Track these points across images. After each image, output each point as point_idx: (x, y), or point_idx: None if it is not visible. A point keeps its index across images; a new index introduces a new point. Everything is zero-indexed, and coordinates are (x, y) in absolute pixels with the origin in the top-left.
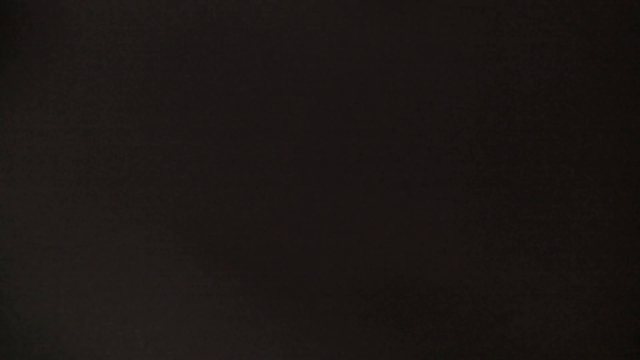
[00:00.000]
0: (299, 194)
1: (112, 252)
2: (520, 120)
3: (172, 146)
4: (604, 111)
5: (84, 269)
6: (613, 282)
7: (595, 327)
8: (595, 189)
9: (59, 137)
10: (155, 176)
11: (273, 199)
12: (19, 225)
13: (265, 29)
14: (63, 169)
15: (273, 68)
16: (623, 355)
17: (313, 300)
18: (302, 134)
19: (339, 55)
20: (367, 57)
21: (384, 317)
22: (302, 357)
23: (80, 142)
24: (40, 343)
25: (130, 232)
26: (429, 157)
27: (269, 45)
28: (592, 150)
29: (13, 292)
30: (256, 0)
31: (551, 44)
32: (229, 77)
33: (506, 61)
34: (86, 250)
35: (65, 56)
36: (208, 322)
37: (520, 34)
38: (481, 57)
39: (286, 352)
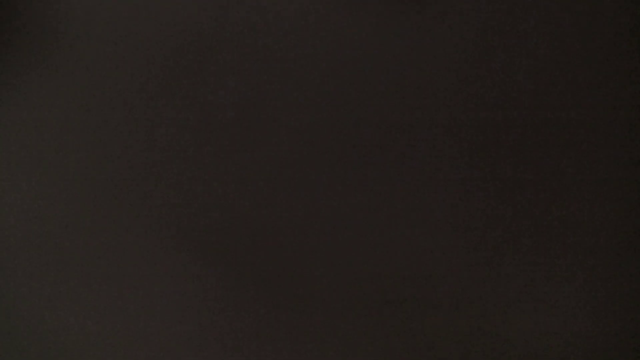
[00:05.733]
0: (299, 196)
1: (111, 252)
2: (520, 120)
3: (172, 146)
4: (604, 111)
5: (84, 269)
6: (613, 282)
7: (595, 327)
8: (596, 189)
9: (59, 137)
10: (155, 176)
11: (273, 200)
12: (19, 225)
13: (266, 30)
14: (63, 169)
15: (272, 68)
16: (623, 355)
17: (313, 301)
18: (303, 135)
19: (339, 56)
20: (367, 57)
21: (384, 317)
22: (302, 357)
23: (80, 142)
24: (39, 343)
25: (130, 232)
26: (429, 158)
27: (269, 45)
28: (593, 151)
29: (13, 293)
30: (256, 1)
31: (551, 44)
32: (229, 78)
33: (506, 61)
34: (86, 250)
35: (66, 56)
36: (208, 323)
37: (521, 34)
38: (481, 57)
39: (287, 353)
